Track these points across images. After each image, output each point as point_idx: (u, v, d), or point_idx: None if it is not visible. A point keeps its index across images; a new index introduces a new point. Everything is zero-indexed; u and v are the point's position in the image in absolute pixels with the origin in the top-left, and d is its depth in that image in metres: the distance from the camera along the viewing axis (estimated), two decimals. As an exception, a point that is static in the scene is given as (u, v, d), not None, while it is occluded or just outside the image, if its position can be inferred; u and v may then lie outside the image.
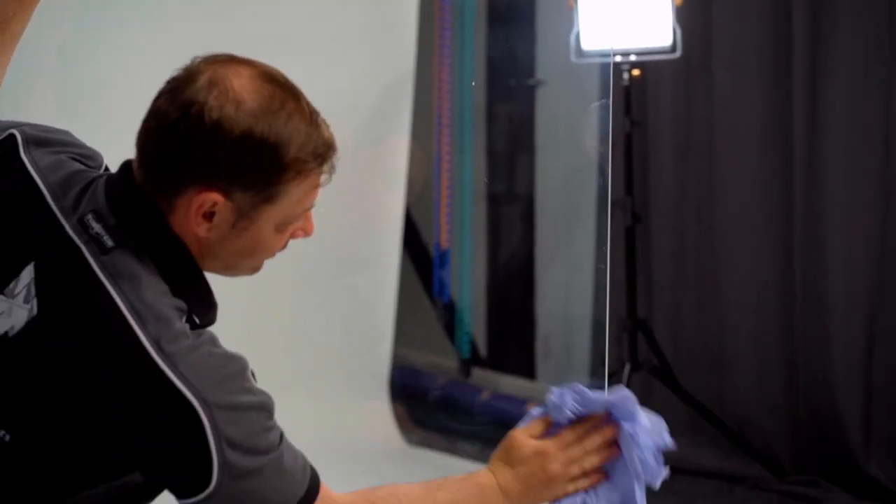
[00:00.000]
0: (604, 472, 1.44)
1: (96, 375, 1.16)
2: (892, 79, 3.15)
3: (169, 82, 1.22)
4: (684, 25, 3.20)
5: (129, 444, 1.17)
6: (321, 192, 3.94)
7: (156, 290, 1.20)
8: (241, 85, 1.20)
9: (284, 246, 1.33)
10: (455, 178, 4.18)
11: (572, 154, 3.90)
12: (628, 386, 3.09)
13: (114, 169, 1.31)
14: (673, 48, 3.16)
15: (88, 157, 1.36)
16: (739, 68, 3.37)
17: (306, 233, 1.34)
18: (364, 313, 3.92)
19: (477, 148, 4.32)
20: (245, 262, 1.31)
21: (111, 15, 3.12)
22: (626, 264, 3.33)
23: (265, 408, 1.24)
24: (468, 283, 4.29)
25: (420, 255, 4.48)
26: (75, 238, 1.20)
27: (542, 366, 4.23)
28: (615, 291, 3.48)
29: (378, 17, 3.77)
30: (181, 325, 1.20)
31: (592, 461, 1.42)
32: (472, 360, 4.27)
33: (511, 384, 4.29)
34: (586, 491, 1.44)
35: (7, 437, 1.19)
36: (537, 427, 1.46)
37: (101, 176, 1.29)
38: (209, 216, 1.21)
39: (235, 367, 1.23)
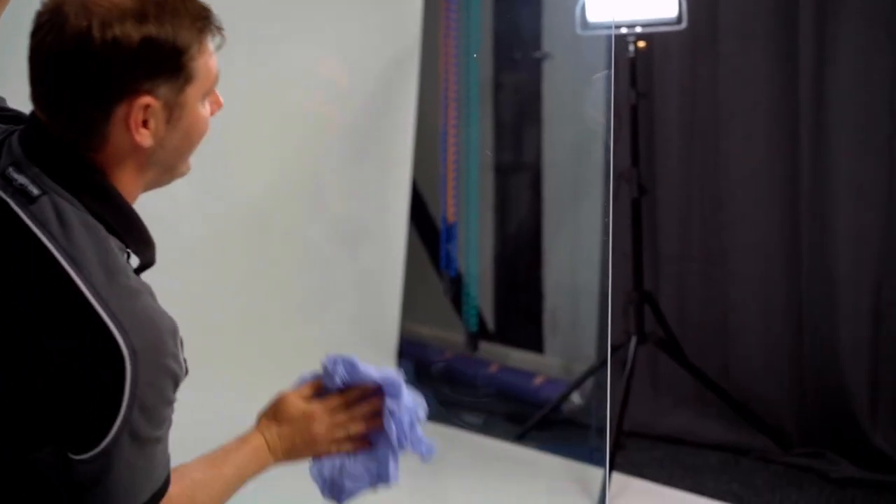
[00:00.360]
0: (367, 441, 1.54)
1: (35, 322, 1.18)
2: (898, 49, 3.15)
3: (40, 24, 1.22)
4: (690, -3, 3.20)
5: (53, 379, 1.18)
6: (331, 167, 3.97)
7: (89, 232, 1.22)
8: None
9: (208, 130, 1.38)
10: (461, 152, 4.19)
11: (579, 126, 3.91)
12: (634, 358, 3.13)
13: None
14: (679, 20, 3.16)
15: (10, 119, 1.39)
16: (745, 39, 3.38)
17: (219, 105, 1.37)
18: (371, 287, 3.94)
19: (483, 121, 4.32)
20: (184, 156, 1.34)
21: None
22: (632, 236, 3.35)
23: (177, 380, 1.26)
24: (475, 257, 4.30)
25: (427, 228, 4.50)
26: (0, 193, 1.23)
27: (549, 339, 4.25)
28: (622, 264, 3.50)
29: (382, 7, 3.78)
30: (120, 262, 1.22)
31: (356, 428, 1.53)
32: (479, 334, 4.29)
33: (519, 358, 4.31)
34: (347, 454, 1.54)
35: None
36: (307, 389, 1.55)
37: (13, 131, 1.31)
38: (146, 123, 1.25)
39: (169, 327, 1.24)
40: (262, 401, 3.38)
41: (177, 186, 3.62)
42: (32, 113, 1.28)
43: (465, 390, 4.07)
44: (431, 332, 4.59)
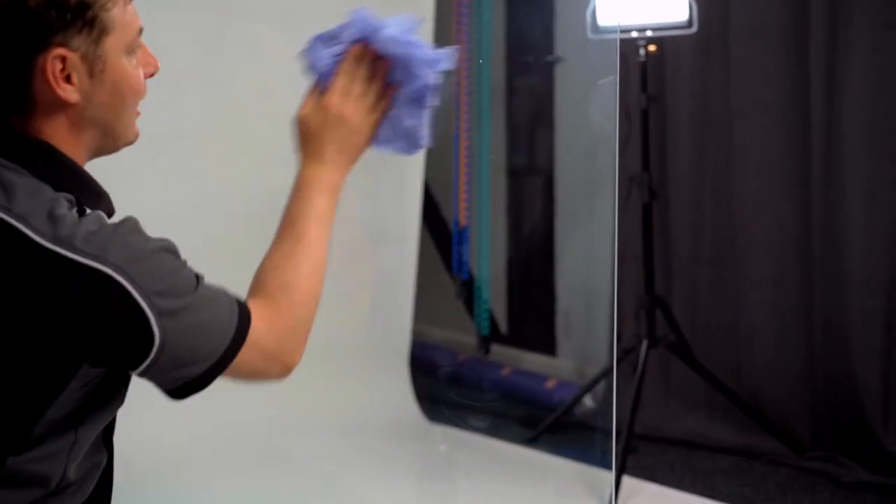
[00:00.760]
0: (395, 84, 1.45)
1: (7, 290, 1.20)
2: (910, 50, 3.18)
3: None
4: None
5: (66, 339, 1.21)
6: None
7: (34, 192, 1.24)
8: None
9: (145, 90, 1.38)
10: (473, 156, 4.22)
11: (591, 130, 3.94)
12: (645, 361, 3.17)
13: None
14: (689, 23, 3.20)
15: None
16: (757, 42, 3.40)
17: (154, 66, 1.38)
18: (384, 289, 3.97)
19: (496, 125, 4.36)
20: (118, 113, 1.34)
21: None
22: (643, 240, 3.38)
23: (170, 248, 1.28)
24: (487, 260, 4.33)
25: (440, 231, 4.54)
26: None
27: (562, 342, 4.28)
28: (634, 267, 3.54)
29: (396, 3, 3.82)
30: (68, 211, 1.23)
31: (374, 88, 1.44)
32: (491, 337, 4.32)
33: (531, 360, 4.35)
34: (390, 112, 1.46)
35: None
36: (311, 96, 1.47)
37: None
38: (67, 78, 1.27)
39: (127, 224, 1.25)
40: (274, 402, 3.43)
41: (192, 186, 3.66)
42: None
43: (477, 393, 4.11)
44: (444, 334, 4.63)
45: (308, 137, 1.45)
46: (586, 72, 3.88)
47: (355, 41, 1.43)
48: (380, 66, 1.43)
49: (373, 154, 4.13)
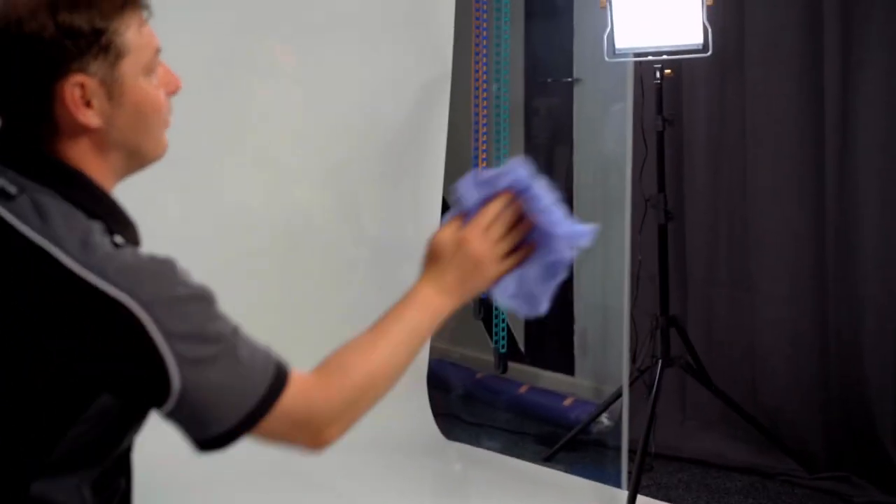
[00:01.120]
0: (531, 244, 1.49)
1: (35, 311, 1.22)
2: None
3: None
4: (717, 23, 3.29)
5: (83, 368, 1.22)
6: (364, 189, 4.02)
7: (68, 218, 1.27)
8: None
9: (169, 107, 1.42)
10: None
11: (608, 149, 4.00)
12: (659, 381, 3.22)
13: None
14: (704, 48, 3.26)
15: None
16: (772, 65, 3.46)
17: (176, 84, 1.42)
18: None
19: (515, 144, 4.42)
20: (141, 134, 1.37)
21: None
22: (658, 261, 3.44)
23: (205, 297, 1.29)
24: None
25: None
26: None
27: (580, 360, 4.33)
28: (649, 288, 3.59)
29: (417, 18, 3.88)
30: (101, 238, 1.26)
31: (514, 236, 1.48)
32: (509, 355, 4.37)
33: (549, 379, 4.40)
34: (520, 266, 1.50)
35: None
36: (451, 223, 1.50)
37: None
38: (87, 103, 1.31)
39: (165, 265, 1.27)
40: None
41: (213, 205, 3.71)
42: None
43: (495, 411, 4.16)
44: (462, 352, 4.68)
45: (436, 259, 1.48)
46: (603, 93, 3.96)
47: (506, 189, 1.47)
48: (523, 223, 1.48)
49: (393, 173, 4.20)
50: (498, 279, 1.49)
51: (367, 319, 4.14)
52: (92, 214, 1.30)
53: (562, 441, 3.68)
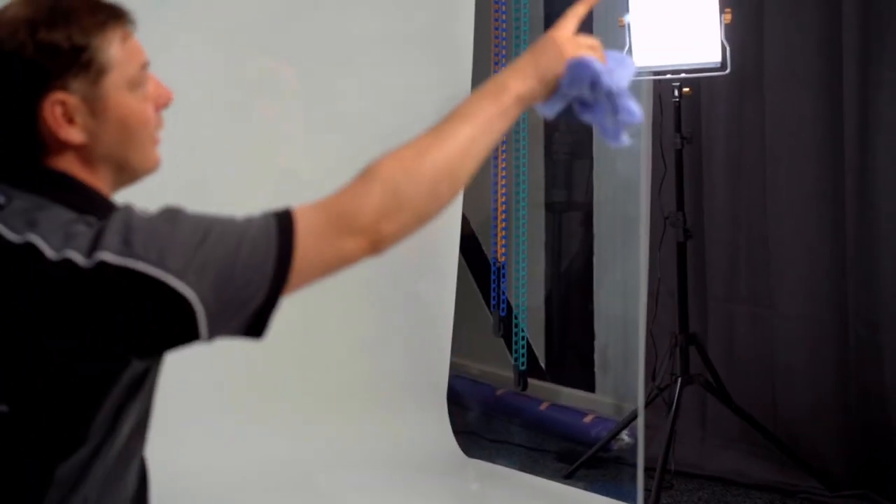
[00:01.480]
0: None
1: (34, 312, 1.22)
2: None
3: None
4: (735, 42, 3.33)
5: (106, 340, 1.22)
6: None
7: (58, 218, 1.28)
8: (13, 9, 1.34)
9: (160, 122, 1.44)
10: (510, 192, 4.33)
11: (628, 166, 4.04)
12: (679, 399, 3.25)
13: None
14: (722, 66, 3.30)
15: None
16: (791, 83, 3.49)
17: (167, 97, 1.43)
18: (423, 323, 4.04)
19: (534, 160, 4.46)
20: (129, 148, 1.38)
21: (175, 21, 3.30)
22: (677, 279, 3.47)
23: (170, 211, 1.27)
24: (525, 296, 4.42)
25: (480, 265, 4.64)
26: None
27: (600, 377, 4.36)
28: (669, 305, 3.62)
29: (436, 35, 3.93)
30: (85, 228, 1.26)
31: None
32: (529, 372, 4.41)
33: (569, 396, 4.43)
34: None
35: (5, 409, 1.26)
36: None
37: None
38: (70, 120, 1.33)
39: (124, 211, 1.27)
40: (314, 436, 3.52)
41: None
42: None
43: (515, 428, 4.19)
44: (482, 368, 4.72)
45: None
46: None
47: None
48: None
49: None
50: (574, 57, 1.42)
51: (386, 338, 4.18)
52: (84, 212, 1.31)
53: (582, 458, 3.71)
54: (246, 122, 3.50)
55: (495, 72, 4.13)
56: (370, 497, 3.42)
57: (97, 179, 1.38)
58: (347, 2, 3.59)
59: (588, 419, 4.08)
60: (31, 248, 1.23)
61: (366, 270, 4.03)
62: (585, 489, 3.57)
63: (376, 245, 1.29)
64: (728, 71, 3.31)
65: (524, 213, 4.37)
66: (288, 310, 3.77)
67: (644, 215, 3.04)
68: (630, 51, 3.39)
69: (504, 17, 4.26)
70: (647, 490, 3.28)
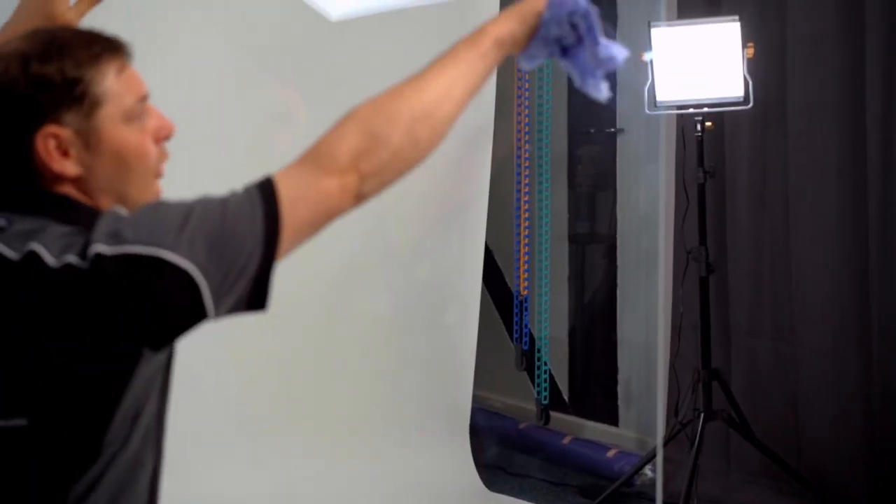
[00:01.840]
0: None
1: (37, 318, 1.24)
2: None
3: None
4: (758, 76, 3.36)
5: (118, 334, 1.23)
6: (408, 238, 4.07)
7: (58, 231, 1.29)
8: (11, 44, 1.37)
9: (163, 155, 1.43)
10: (533, 225, 4.36)
11: (652, 198, 4.06)
12: (701, 434, 3.25)
13: None
14: (745, 100, 3.32)
15: None
16: (813, 117, 3.52)
17: (168, 130, 1.43)
18: (445, 354, 4.07)
19: (558, 192, 4.49)
20: (126, 180, 1.39)
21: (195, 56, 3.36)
22: (700, 313, 3.48)
23: (155, 202, 1.30)
24: (548, 329, 4.44)
25: (503, 297, 4.67)
26: None
27: (623, 411, 4.37)
28: (692, 340, 3.63)
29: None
30: (81, 237, 1.27)
31: None
32: (553, 405, 4.42)
33: (593, 429, 4.44)
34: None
35: (24, 423, 1.26)
36: None
37: None
38: (64, 152, 1.34)
39: (107, 215, 1.28)
40: (335, 466, 3.54)
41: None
42: None
43: (543, 463, 4.20)
44: (505, 401, 4.74)
45: None
46: (646, 144, 4.02)
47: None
48: None
49: (436, 223, 4.26)
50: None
51: (409, 369, 4.21)
52: (85, 227, 1.31)
53: (605, 493, 3.71)
54: (263, 151, 3.54)
55: (518, 104, 4.17)
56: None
57: (97, 205, 1.38)
58: (369, 33, 3.64)
59: (611, 453, 4.09)
60: (32, 256, 1.25)
61: (393, 300, 4.07)
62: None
63: (358, 186, 1.31)
64: (751, 105, 3.33)
65: (547, 245, 4.39)
66: (312, 338, 3.81)
67: (662, 248, 3.06)
68: (653, 86, 3.41)
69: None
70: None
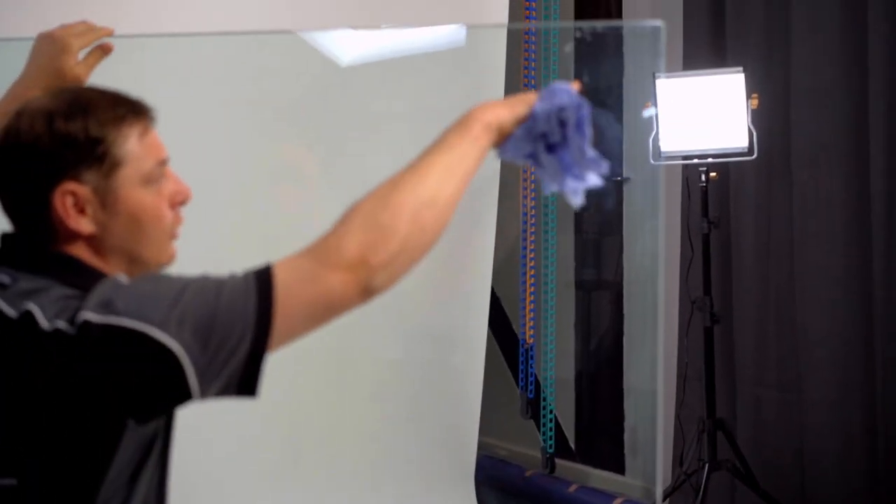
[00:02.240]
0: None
1: (44, 378, 1.25)
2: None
3: None
4: (762, 126, 3.40)
5: (102, 402, 1.24)
6: (413, 282, 4.11)
7: (58, 293, 1.31)
8: (38, 100, 1.42)
9: (178, 218, 1.46)
10: (539, 271, 4.38)
11: (656, 248, 4.08)
12: (706, 486, 3.26)
13: None
14: (750, 151, 3.36)
15: None
16: (819, 167, 3.55)
17: (184, 195, 1.46)
18: (450, 400, 4.08)
19: (564, 240, 4.51)
20: (139, 241, 1.41)
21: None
22: (704, 364, 3.49)
23: (147, 276, 1.31)
24: (553, 378, 4.45)
25: (509, 343, 4.68)
26: None
27: (630, 460, 4.37)
28: (697, 389, 3.64)
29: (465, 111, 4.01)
30: (78, 301, 1.29)
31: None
32: (559, 452, 4.42)
33: (599, 477, 4.43)
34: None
35: (14, 483, 1.28)
36: None
37: None
38: (81, 209, 1.37)
39: (106, 282, 1.29)
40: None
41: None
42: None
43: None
44: (511, 448, 4.73)
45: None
46: (653, 193, 4.05)
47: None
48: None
49: (440, 265, 4.29)
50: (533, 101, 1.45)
51: (414, 415, 4.20)
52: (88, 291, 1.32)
53: (609, 543, 3.71)
54: (271, 199, 3.57)
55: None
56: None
57: (108, 267, 1.41)
58: (377, 79, 3.68)
59: (617, 502, 4.08)
60: (28, 317, 1.27)
61: (394, 348, 4.07)
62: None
63: (367, 281, 1.29)
64: (755, 156, 3.36)
65: (553, 293, 4.41)
66: (316, 382, 3.82)
67: (661, 299, 3.08)
68: (657, 137, 3.45)
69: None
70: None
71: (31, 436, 1.27)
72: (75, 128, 1.36)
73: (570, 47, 4.31)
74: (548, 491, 4.31)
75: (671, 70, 3.72)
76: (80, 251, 1.39)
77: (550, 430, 4.36)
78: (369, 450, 3.86)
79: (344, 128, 3.74)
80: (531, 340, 4.42)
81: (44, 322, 1.26)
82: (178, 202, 1.46)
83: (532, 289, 4.38)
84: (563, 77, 4.37)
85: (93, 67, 1.83)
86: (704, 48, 3.91)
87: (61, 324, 1.25)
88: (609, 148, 4.13)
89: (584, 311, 4.63)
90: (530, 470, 4.48)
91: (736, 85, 3.37)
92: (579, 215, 4.58)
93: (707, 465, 3.41)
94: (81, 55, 1.82)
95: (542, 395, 4.46)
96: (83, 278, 1.35)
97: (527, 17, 4.28)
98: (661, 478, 3.12)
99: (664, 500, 3.64)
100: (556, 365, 4.46)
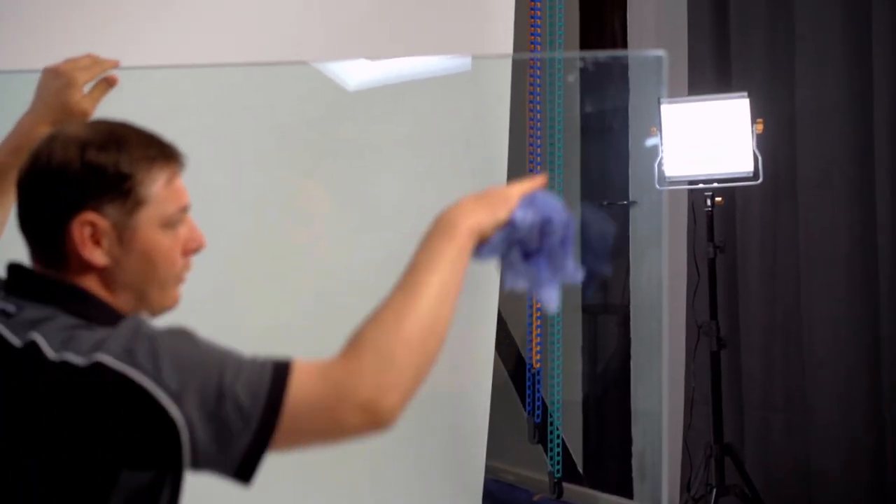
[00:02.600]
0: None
1: (32, 410, 1.27)
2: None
3: None
4: (767, 151, 3.41)
5: (92, 447, 1.25)
6: None
7: (63, 323, 1.32)
8: (73, 128, 1.44)
9: (188, 264, 1.47)
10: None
11: (661, 272, 4.08)
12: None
13: None
14: (755, 175, 3.37)
15: None
16: (824, 190, 3.57)
17: (199, 243, 1.48)
18: (458, 424, 4.08)
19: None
20: (149, 281, 1.43)
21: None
22: (711, 388, 3.49)
23: (180, 331, 1.30)
24: (560, 402, 4.45)
25: (515, 369, 4.68)
26: None
27: (638, 484, 4.36)
28: (704, 414, 3.64)
29: (471, 139, 4.02)
30: (87, 332, 1.30)
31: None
32: (567, 476, 4.41)
33: (607, 502, 4.42)
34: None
35: None
36: None
37: None
38: (97, 241, 1.38)
39: (128, 323, 1.30)
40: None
41: (270, 343, 3.84)
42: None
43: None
44: (519, 472, 4.73)
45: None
46: (658, 217, 4.06)
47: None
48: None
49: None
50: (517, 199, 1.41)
51: (420, 438, 4.18)
52: (94, 321, 1.34)
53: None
54: (283, 228, 3.58)
55: (530, 170, 4.22)
56: None
57: (115, 302, 1.42)
58: (383, 107, 3.69)
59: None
60: (32, 347, 1.28)
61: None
62: None
63: (381, 422, 1.26)
64: (760, 180, 3.37)
65: (560, 316, 4.42)
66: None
67: (666, 324, 3.08)
68: (662, 162, 3.46)
69: (539, 124, 4.36)
70: None
71: (32, 467, 1.28)
72: (106, 160, 1.37)
73: (574, 76, 4.34)
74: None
75: (676, 95, 3.74)
76: (90, 283, 1.40)
77: (558, 454, 4.36)
78: (375, 474, 3.85)
79: (352, 153, 3.76)
80: (538, 364, 4.42)
81: (50, 352, 1.27)
82: (191, 249, 1.48)
83: (539, 312, 4.39)
84: (569, 106, 4.39)
85: (98, 100, 1.84)
86: (709, 73, 3.93)
87: (70, 356, 1.26)
88: (616, 179, 4.16)
89: (592, 335, 4.64)
90: (538, 494, 4.48)
91: (741, 110, 3.38)
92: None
93: (715, 491, 3.40)
94: (87, 88, 1.84)
95: (549, 419, 4.46)
96: (89, 308, 1.37)
97: (531, 44, 4.30)
98: (668, 502, 3.12)
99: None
100: (564, 389, 4.47)
